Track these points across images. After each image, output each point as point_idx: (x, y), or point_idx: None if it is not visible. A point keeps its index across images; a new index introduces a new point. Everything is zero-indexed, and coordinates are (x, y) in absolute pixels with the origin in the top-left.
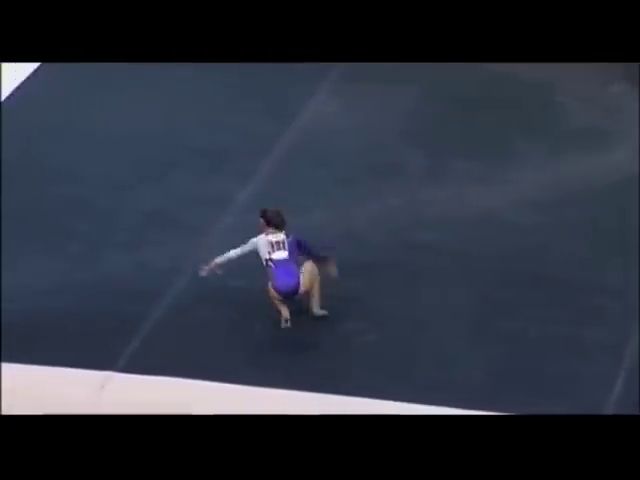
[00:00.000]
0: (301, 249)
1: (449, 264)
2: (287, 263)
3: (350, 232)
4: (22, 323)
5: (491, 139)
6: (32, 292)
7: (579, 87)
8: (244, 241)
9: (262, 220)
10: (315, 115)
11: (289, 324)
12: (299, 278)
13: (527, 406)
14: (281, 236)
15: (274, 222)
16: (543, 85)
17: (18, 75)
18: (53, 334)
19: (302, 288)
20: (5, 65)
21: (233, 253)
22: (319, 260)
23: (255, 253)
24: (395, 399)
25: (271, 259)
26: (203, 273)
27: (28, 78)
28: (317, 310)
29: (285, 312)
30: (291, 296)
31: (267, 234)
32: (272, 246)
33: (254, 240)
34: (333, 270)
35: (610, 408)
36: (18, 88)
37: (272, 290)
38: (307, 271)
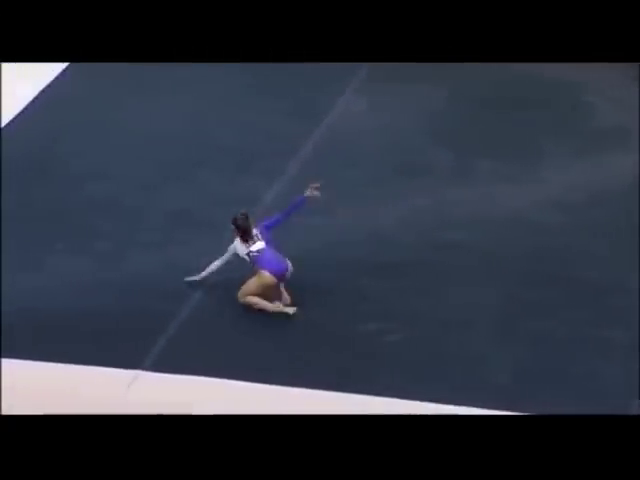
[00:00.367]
0: (273, 225)
1: (476, 264)
2: (268, 249)
3: (377, 232)
4: (49, 322)
5: (518, 139)
6: (59, 291)
7: (606, 87)
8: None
9: (233, 227)
10: (343, 115)
11: (295, 309)
12: (285, 258)
13: (553, 406)
14: (253, 231)
15: (243, 227)
16: (570, 85)
17: (47, 75)
18: (80, 333)
19: (289, 270)
20: (34, 65)
21: (215, 266)
22: (298, 206)
23: (237, 258)
24: (421, 399)
25: (251, 251)
26: (188, 279)
27: (57, 78)
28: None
29: (274, 304)
30: (284, 276)
31: (246, 242)
32: (248, 243)
33: (232, 247)
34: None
35: (636, 408)
36: (48, 87)
37: (267, 277)
38: None
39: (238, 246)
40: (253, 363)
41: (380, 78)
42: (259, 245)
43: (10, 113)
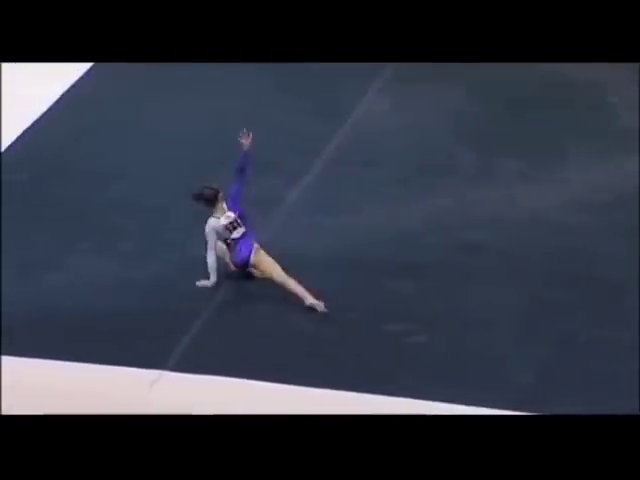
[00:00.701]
0: (238, 195)
1: (498, 264)
2: (245, 237)
3: (400, 232)
4: (71, 322)
5: (541, 139)
6: (82, 291)
7: (630, 87)
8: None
9: (204, 203)
10: (366, 115)
11: (323, 306)
12: (252, 249)
13: (574, 407)
14: (230, 215)
15: (211, 197)
16: (593, 85)
17: (71, 75)
18: (103, 333)
19: (252, 259)
20: (58, 65)
21: (212, 261)
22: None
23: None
24: (443, 400)
25: (232, 239)
26: (200, 284)
27: (81, 78)
28: (311, 301)
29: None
30: (245, 268)
31: (217, 217)
32: (228, 229)
33: (212, 226)
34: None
35: None
36: (73, 86)
37: (229, 263)
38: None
39: (220, 230)
40: (275, 363)
41: (403, 78)
42: (239, 232)
43: (34, 113)
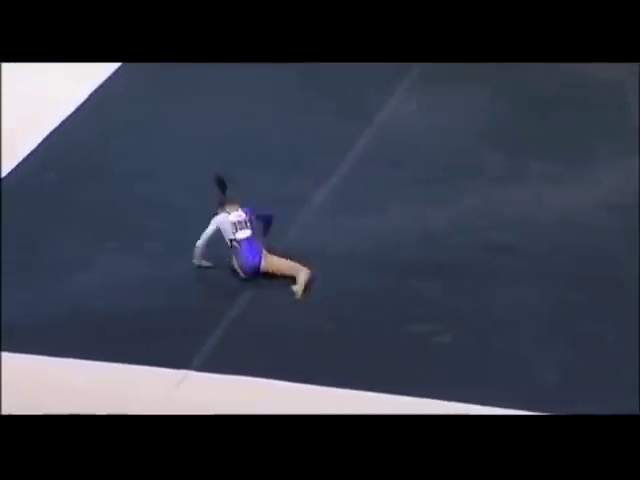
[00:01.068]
0: (260, 220)
1: (525, 265)
2: (251, 241)
3: (426, 232)
4: (99, 321)
5: (569, 140)
6: (109, 291)
7: None
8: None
9: (221, 189)
10: (393, 115)
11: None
12: (262, 255)
13: (600, 407)
14: (242, 215)
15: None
16: (617, 85)
17: (100, 75)
18: (130, 332)
19: (263, 265)
20: (87, 65)
21: (202, 241)
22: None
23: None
24: (468, 401)
25: (235, 239)
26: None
27: (109, 78)
28: (297, 289)
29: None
30: (254, 274)
31: (228, 212)
32: (235, 226)
33: (218, 219)
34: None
35: None
36: (101, 87)
37: (238, 270)
38: (272, 258)
39: (225, 225)
40: (299, 363)
41: (429, 78)
42: (244, 233)
43: (63, 113)
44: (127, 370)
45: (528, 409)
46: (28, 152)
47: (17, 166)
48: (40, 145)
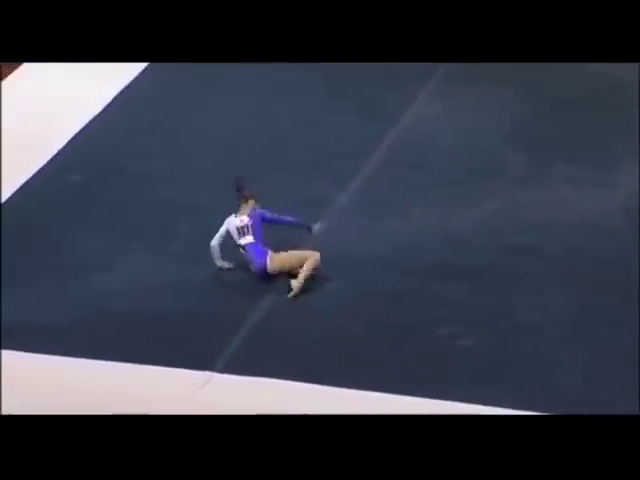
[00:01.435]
0: (267, 221)
1: (548, 267)
2: (254, 245)
3: (450, 235)
4: (123, 322)
5: (592, 142)
6: (133, 292)
7: None
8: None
9: (238, 192)
10: (417, 117)
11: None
12: (266, 257)
13: (622, 409)
14: (245, 219)
15: (243, 191)
16: None
17: (127, 75)
18: (153, 333)
19: (270, 267)
20: (112, 65)
21: (214, 240)
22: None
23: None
24: (491, 404)
25: (240, 245)
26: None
27: (136, 78)
28: (295, 282)
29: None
30: (263, 277)
31: (235, 215)
32: (239, 232)
33: (227, 220)
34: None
35: None
36: (127, 87)
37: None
38: (278, 255)
39: (231, 228)
40: (322, 366)
41: (454, 80)
42: (247, 239)
43: (90, 113)
44: (151, 371)
45: (549, 411)
46: (55, 153)
47: (43, 167)
48: (67, 146)
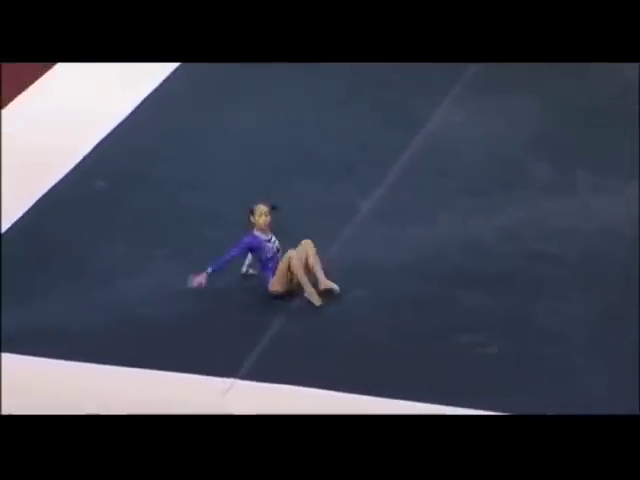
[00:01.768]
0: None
1: (572, 276)
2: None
3: (473, 242)
4: (146, 328)
5: (616, 150)
6: (157, 298)
7: None
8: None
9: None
10: (441, 125)
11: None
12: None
13: None
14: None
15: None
16: None
17: (158, 76)
18: (177, 339)
19: (271, 288)
20: (145, 65)
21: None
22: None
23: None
24: (514, 411)
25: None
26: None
27: (167, 79)
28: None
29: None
30: (278, 296)
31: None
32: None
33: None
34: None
35: None
36: (155, 90)
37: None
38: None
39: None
40: (344, 373)
41: (479, 86)
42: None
43: (119, 116)
44: (173, 378)
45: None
46: (80, 158)
47: (69, 173)
48: (92, 151)
